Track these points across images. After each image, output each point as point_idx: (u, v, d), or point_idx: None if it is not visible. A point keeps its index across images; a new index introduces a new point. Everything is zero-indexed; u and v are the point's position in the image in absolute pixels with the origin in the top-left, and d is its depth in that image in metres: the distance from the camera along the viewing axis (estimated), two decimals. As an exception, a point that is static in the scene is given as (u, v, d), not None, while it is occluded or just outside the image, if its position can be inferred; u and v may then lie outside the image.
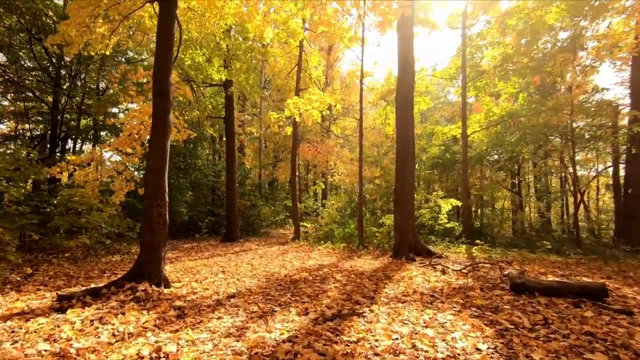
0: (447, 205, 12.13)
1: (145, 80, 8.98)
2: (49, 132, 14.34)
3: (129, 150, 8.35)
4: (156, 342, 3.10)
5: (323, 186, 22.24)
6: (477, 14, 13.81)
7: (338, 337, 3.22)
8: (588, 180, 17.20)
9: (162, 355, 2.84)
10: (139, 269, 4.89)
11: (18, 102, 14.81)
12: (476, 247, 9.78)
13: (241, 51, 11.79)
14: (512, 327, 3.51)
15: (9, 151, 14.68)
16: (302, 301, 4.56)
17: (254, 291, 5.13)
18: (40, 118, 16.07)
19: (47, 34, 13.20)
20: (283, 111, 11.18)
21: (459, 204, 12.20)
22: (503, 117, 13.33)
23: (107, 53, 9.21)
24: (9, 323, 3.47)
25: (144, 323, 3.56)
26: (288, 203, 22.18)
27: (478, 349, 2.98)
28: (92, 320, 3.54)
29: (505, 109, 13.43)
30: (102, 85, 15.95)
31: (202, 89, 14.57)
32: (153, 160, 5.13)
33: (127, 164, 8.49)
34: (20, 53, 13.72)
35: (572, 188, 19.16)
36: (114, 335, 3.22)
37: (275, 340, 3.16)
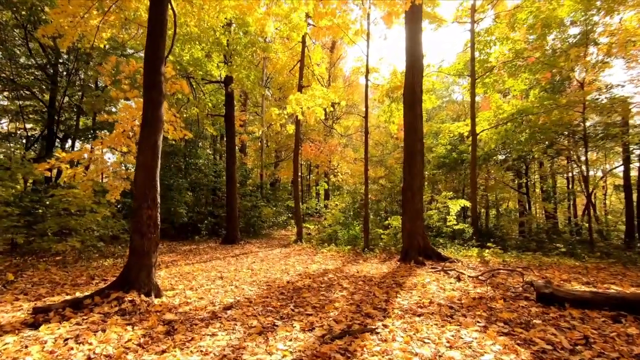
0: (455, 206, 11.65)
1: (139, 74, 8.54)
2: (46, 131, 13.97)
3: (124, 149, 7.93)
4: (137, 367, 2.65)
5: (327, 186, 21.81)
6: (485, 7, 13.33)
7: (350, 361, 2.77)
8: (596, 180, 16.69)
9: (142, 385, 2.39)
10: (127, 277, 4.45)
11: (15, 101, 14.44)
12: (488, 250, 9.28)
13: (241, 46, 11.35)
14: (550, 347, 3.03)
15: (2, 150, 14.33)
16: (306, 313, 4.11)
17: (254, 301, 4.67)
18: (37, 117, 15.71)
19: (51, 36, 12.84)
20: (285, 108, 10.75)
21: (469, 204, 11.71)
22: (513, 115, 12.82)
23: (102, 46, 8.81)
24: (-28, 342, 3.03)
25: (126, 342, 3.10)
26: (290, 204, 21.75)
27: (517, 378, 2.51)
28: (66, 339, 3.09)
29: (515, 106, 12.93)
30: (100, 83, 15.54)
31: (201, 86, 14.15)
32: (143, 156, 4.68)
33: (122, 163, 8.07)
34: (16, 50, 13.34)
35: (580, 188, 18.70)
36: (89, 358, 2.77)
37: (277, 365, 2.71)
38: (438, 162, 16.94)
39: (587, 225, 15.35)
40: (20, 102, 14.61)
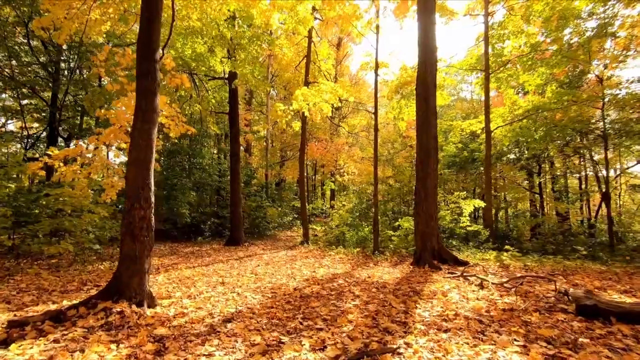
0: (469, 206, 11.11)
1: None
2: (48, 130, 13.68)
3: (123, 145, 7.54)
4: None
5: (334, 186, 21.33)
6: (499, -1, 12.76)
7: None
8: (611, 180, 15.99)
9: None
10: (117, 285, 4.01)
11: (18, 98, 14.18)
12: (506, 253, 8.73)
13: (246, 40, 10.91)
14: (610, 376, 2.54)
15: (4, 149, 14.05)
16: (316, 327, 3.63)
17: (257, 311, 4.21)
18: (39, 116, 15.45)
19: (47, 28, 12.55)
20: (290, 105, 10.29)
21: (483, 205, 11.15)
22: (529, 111, 12.23)
23: (100, 39, 8.44)
24: None
25: (108, 365, 2.66)
26: (295, 204, 21.31)
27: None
28: (38, 362, 2.66)
29: (531, 101, 12.33)
30: (104, 82, 15.20)
31: (204, 82, 13.75)
32: (136, 151, 4.25)
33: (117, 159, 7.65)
34: (17, 47, 13.06)
35: (596, 188, 17.97)
36: (60, 387, 2.33)
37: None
38: (448, 161, 16.39)
39: (600, 226, 14.70)
40: (22, 100, 14.37)
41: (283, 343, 3.19)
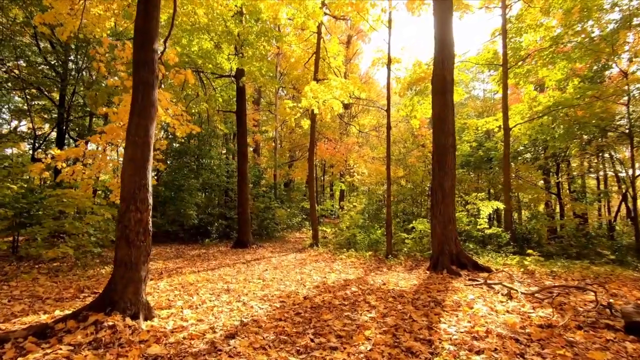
0: (487, 208, 10.55)
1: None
2: (56, 130, 13.58)
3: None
4: None
5: (344, 186, 20.89)
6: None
7: None
8: (633, 179, 15.22)
9: None
10: (111, 295, 3.66)
11: (26, 99, 14.13)
12: (529, 258, 8.16)
13: (253, 35, 10.57)
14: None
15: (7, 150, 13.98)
16: (329, 346, 3.21)
17: (264, 325, 3.81)
18: (47, 116, 15.40)
19: (53, 27, 12.42)
20: (299, 102, 9.90)
21: (502, 206, 10.58)
22: (549, 108, 11.60)
23: (104, 36, 8.17)
24: None
25: (89, 394, 2.29)
26: (305, 205, 20.91)
27: None
28: (9, 390, 2.30)
29: (552, 97, 11.71)
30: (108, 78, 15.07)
31: (211, 81, 13.46)
32: (132, 149, 3.90)
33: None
34: (25, 48, 12.98)
35: (615, 188, 17.16)
36: None
37: None
38: (462, 161, 15.80)
39: (622, 228, 13.93)
40: (30, 101, 14.32)
41: (292, 366, 2.78)
